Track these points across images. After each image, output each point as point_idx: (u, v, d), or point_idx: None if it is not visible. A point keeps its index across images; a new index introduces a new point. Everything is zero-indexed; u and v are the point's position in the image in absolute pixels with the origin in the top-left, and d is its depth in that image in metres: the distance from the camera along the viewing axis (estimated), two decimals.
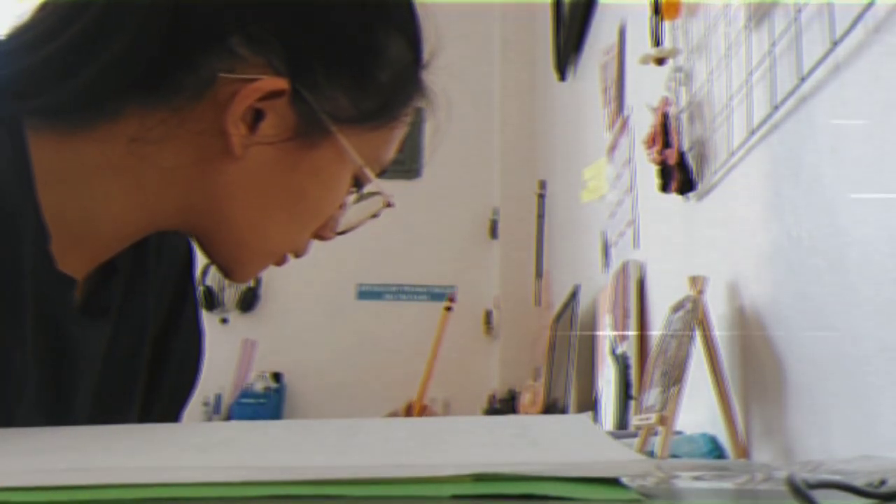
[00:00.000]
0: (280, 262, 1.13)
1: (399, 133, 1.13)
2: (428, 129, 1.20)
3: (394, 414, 1.58)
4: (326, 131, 1.03)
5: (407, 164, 6.94)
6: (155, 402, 1.19)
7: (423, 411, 1.58)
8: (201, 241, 1.08)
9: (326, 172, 1.06)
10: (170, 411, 1.23)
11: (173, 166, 1.00)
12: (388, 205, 1.16)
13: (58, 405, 1.01)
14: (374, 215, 1.19)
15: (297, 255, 1.14)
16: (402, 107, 1.11)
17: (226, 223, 1.04)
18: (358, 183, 1.10)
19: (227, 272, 1.10)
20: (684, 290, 2.02)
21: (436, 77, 1.15)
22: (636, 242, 3.09)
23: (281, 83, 0.99)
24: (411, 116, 1.13)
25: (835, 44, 1.46)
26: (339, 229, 1.15)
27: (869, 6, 1.35)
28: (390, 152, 1.13)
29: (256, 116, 1.00)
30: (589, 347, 3.74)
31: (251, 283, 6.68)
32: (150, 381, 1.18)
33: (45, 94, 0.96)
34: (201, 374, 1.28)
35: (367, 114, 1.06)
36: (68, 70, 0.96)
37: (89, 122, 0.98)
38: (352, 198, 1.12)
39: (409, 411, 1.59)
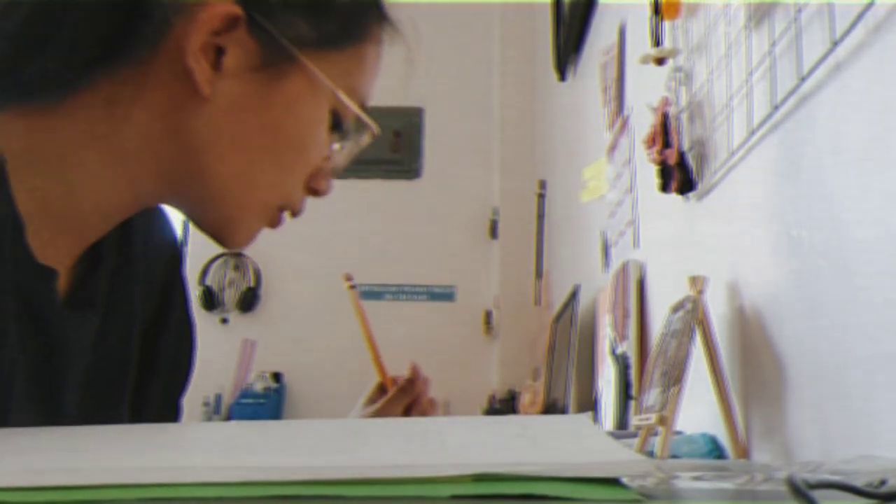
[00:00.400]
0: (274, 221, 1.11)
1: (369, 59, 1.11)
2: (400, 59, 1.19)
3: (370, 399, 1.56)
4: (291, 58, 1.02)
5: (406, 164, 6.96)
6: (149, 397, 1.18)
7: (395, 383, 1.57)
8: (189, 208, 1.07)
9: (300, 104, 1.05)
10: (165, 404, 1.22)
11: (147, 123, 0.99)
12: (374, 135, 1.13)
13: (48, 399, 0.99)
14: (361, 148, 1.16)
15: (293, 211, 1.11)
16: (364, 27, 1.09)
17: (208, 176, 1.02)
18: (338, 123, 1.09)
19: (221, 236, 1.09)
20: (684, 290, 2.02)
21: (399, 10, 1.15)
22: (636, 242, 3.09)
23: (233, 8, 0.97)
24: (377, 41, 1.12)
25: (835, 44, 1.46)
26: (331, 168, 1.13)
27: (869, 6, 1.35)
28: (365, 81, 1.11)
29: (219, 54, 0.99)
30: (589, 347, 3.74)
31: (251, 283, 6.68)
32: (143, 374, 1.17)
33: (10, 77, 0.96)
34: (195, 365, 1.28)
35: (329, 36, 1.05)
36: (33, 51, 0.96)
37: (61, 97, 0.97)
38: (337, 146, 1.11)
39: (383, 391, 1.57)
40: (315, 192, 1.13)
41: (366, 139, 1.15)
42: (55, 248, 0.99)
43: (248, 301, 6.68)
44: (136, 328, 1.14)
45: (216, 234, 1.09)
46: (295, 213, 1.12)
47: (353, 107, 1.08)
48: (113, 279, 1.10)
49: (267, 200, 1.08)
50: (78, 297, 1.05)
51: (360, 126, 1.12)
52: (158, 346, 1.19)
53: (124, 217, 1.07)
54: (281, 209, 1.10)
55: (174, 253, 1.23)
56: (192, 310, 1.27)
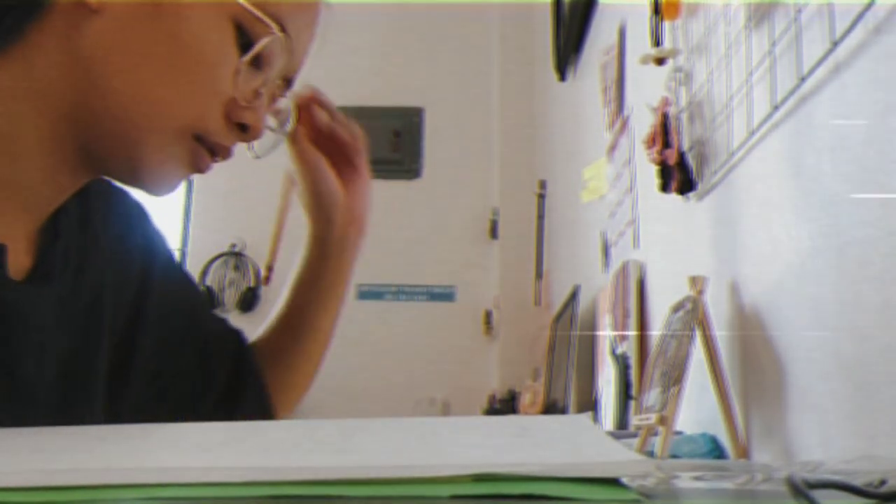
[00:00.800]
0: (197, 159, 1.06)
1: None
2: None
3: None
4: None
5: (406, 164, 6.96)
6: (138, 361, 1.18)
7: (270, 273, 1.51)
8: (106, 153, 1.04)
9: (193, 8, 1.01)
10: (174, 344, 1.24)
11: (53, 54, 0.99)
12: (273, 33, 1.04)
13: (6, 374, 0.99)
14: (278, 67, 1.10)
15: (215, 147, 1.06)
16: None
17: (109, 97, 1.00)
18: (245, 40, 1.04)
19: (139, 174, 1.05)
20: (684, 290, 2.02)
21: None
22: (636, 242, 3.09)
23: None
24: None
25: (835, 44, 1.46)
26: (258, 102, 1.08)
27: (869, 6, 1.35)
28: None
29: None
30: (589, 347, 3.74)
31: (251, 283, 6.68)
32: (130, 341, 1.17)
33: None
34: (199, 292, 1.29)
35: None
36: None
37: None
38: (245, 60, 1.04)
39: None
40: (243, 127, 1.07)
41: (282, 60, 1.08)
42: (9, 223, 1.00)
43: (248, 301, 6.68)
44: (106, 300, 1.13)
45: (134, 173, 1.05)
46: (219, 152, 1.07)
47: (250, 7, 1.02)
48: (78, 255, 1.10)
49: (175, 122, 1.03)
50: (37, 272, 1.04)
51: (263, 31, 1.04)
52: (149, 299, 1.20)
53: (68, 182, 1.06)
54: (198, 138, 1.05)
55: (141, 214, 1.23)
56: (180, 267, 1.30)
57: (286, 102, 1.18)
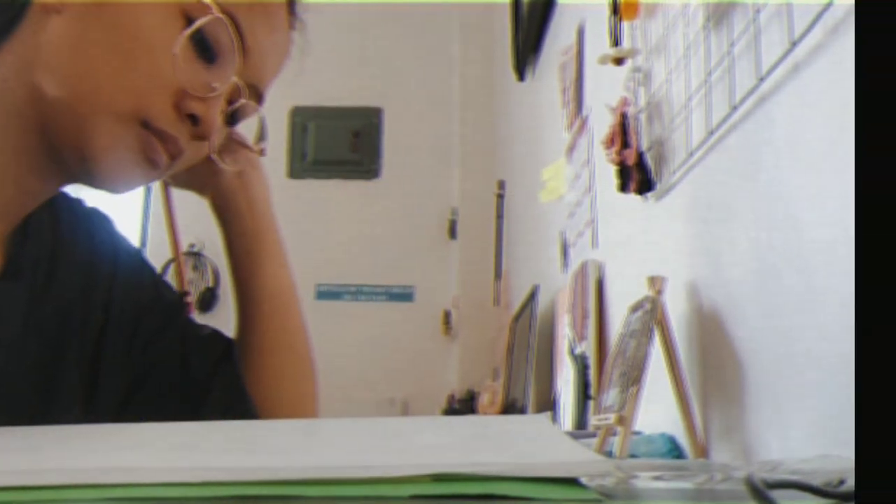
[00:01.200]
0: (146, 147, 1.04)
1: None
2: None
3: None
4: None
5: (365, 165, 6.96)
6: (110, 361, 1.18)
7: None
8: (61, 150, 1.04)
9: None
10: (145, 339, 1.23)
11: (21, 56, 1.01)
12: (217, 20, 1.05)
13: None
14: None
15: (163, 135, 1.04)
16: None
17: (58, 86, 1.01)
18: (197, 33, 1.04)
19: (94, 168, 1.04)
20: (643, 290, 2.02)
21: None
22: (595, 242, 3.10)
23: None
24: None
25: (793, 44, 1.46)
26: (212, 94, 1.06)
27: (827, 7, 1.36)
28: None
29: None
30: (548, 348, 3.75)
31: (209, 283, 6.65)
32: (102, 343, 1.17)
33: None
34: (168, 292, 1.31)
35: None
36: None
37: None
38: (182, 41, 1.03)
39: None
40: (194, 119, 1.06)
41: (233, 52, 1.07)
42: None
43: (208, 301, 6.65)
44: (75, 304, 1.14)
45: (87, 164, 1.04)
46: (168, 142, 1.05)
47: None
48: (47, 260, 1.11)
49: (117, 104, 1.01)
50: (7, 271, 1.06)
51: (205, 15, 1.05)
52: (115, 303, 1.20)
53: (36, 187, 1.07)
54: (145, 125, 1.03)
55: (106, 222, 1.24)
56: (136, 250, 1.29)
57: (256, 113, 1.18)
